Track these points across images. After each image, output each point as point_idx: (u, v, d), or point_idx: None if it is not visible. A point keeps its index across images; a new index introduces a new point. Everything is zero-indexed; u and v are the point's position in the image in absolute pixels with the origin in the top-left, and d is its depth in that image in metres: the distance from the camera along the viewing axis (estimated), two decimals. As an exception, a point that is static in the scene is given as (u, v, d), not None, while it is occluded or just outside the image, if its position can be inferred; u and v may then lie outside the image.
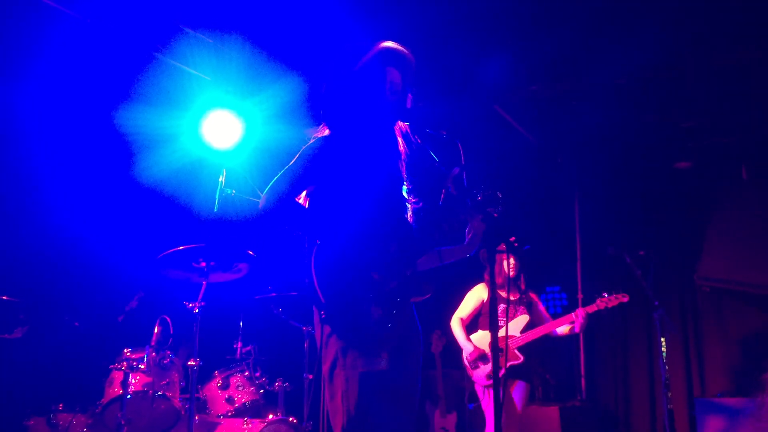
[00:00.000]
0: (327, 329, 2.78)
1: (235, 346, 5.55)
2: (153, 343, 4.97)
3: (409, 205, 2.99)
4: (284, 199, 2.80)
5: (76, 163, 5.69)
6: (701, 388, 6.97)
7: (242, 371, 5.37)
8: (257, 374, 5.41)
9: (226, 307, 5.62)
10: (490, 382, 5.38)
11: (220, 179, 4.97)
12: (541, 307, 5.75)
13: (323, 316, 2.73)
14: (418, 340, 2.94)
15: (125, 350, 4.93)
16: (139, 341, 5.03)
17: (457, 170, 2.76)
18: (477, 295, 5.77)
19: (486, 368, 5.47)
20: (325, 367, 2.77)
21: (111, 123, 5.54)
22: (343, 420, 2.66)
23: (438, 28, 5.40)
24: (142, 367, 4.84)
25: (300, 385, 5.37)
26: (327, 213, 2.82)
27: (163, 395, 4.85)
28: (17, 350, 5.06)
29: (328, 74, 2.99)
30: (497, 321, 2.74)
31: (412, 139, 2.97)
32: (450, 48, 5.65)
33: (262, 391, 5.37)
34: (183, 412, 4.91)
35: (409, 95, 3.00)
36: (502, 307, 5.51)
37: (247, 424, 4.96)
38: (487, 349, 5.48)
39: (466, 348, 5.59)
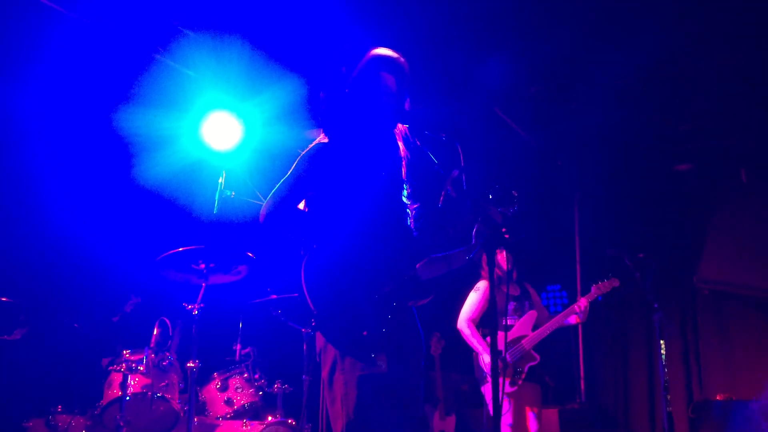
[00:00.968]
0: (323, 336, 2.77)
1: (234, 347, 5.54)
2: (152, 345, 4.96)
3: (409, 209, 2.98)
4: (285, 208, 2.80)
5: (75, 164, 5.69)
6: (700, 390, 6.96)
7: (241, 373, 5.36)
8: (256, 376, 5.40)
9: (225, 308, 5.61)
10: (511, 389, 5.22)
11: (219, 181, 4.96)
12: (538, 299, 5.69)
13: (314, 323, 2.73)
14: (419, 344, 2.92)
15: (124, 352, 4.92)
16: (138, 343, 5.02)
17: (456, 172, 2.75)
18: (481, 293, 5.62)
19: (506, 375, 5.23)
20: (325, 372, 2.76)
21: (110, 124, 5.54)
22: (343, 424, 2.65)
23: (438, 30, 5.40)
24: (141, 368, 4.83)
25: (299, 387, 5.36)
26: (324, 219, 2.81)
27: (162, 397, 4.85)
28: (16, 352, 5.05)
29: (326, 80, 2.98)
30: (497, 320, 2.73)
31: (411, 141, 2.96)
32: (449, 50, 5.65)
33: (261, 393, 5.36)
34: (182, 414, 4.90)
35: (407, 99, 2.99)
36: (513, 304, 5.46)
37: (246, 425, 4.95)
38: (507, 356, 5.27)
39: (485, 354, 5.35)
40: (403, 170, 2.99)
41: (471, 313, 5.56)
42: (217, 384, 5.28)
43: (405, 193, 2.99)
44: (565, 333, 7.54)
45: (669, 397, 5.43)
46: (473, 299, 5.60)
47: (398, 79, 2.95)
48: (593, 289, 5.56)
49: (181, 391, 5.06)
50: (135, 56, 5.40)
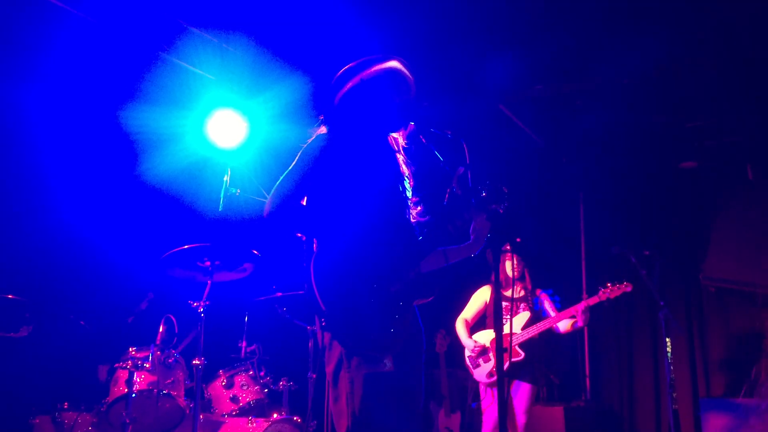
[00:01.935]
0: (329, 333, 2.77)
1: (239, 345, 5.56)
2: (158, 342, 4.97)
3: (412, 207, 2.98)
4: (288, 203, 2.80)
5: (81, 162, 5.70)
6: (706, 388, 6.95)
7: (247, 370, 5.37)
8: (262, 373, 5.41)
9: (230, 306, 5.62)
10: (491, 380, 5.46)
11: (224, 178, 4.97)
12: (548, 306, 5.73)
13: (323, 324, 2.72)
14: (420, 341, 2.93)
15: (130, 349, 4.93)
16: (144, 340, 5.03)
17: (461, 170, 2.75)
18: (481, 296, 5.85)
19: (487, 366, 5.52)
20: (329, 369, 2.76)
21: (116, 122, 5.55)
22: (348, 422, 2.65)
23: (443, 28, 5.39)
24: (147, 365, 4.84)
25: (304, 384, 5.37)
26: (328, 216, 2.80)
27: (168, 394, 4.86)
28: (23, 349, 5.07)
29: (332, 80, 2.98)
30: (501, 321, 2.73)
31: (417, 139, 2.96)
32: (455, 48, 5.64)
33: (266, 390, 5.37)
34: (188, 411, 4.91)
35: (411, 112, 2.97)
36: (505, 305, 5.54)
37: (252, 423, 4.97)
38: (488, 344, 5.56)
39: (468, 345, 5.66)
40: (405, 171, 2.99)
41: (465, 312, 5.86)
42: (223, 381, 5.29)
43: (409, 193, 2.99)
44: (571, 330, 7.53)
45: (675, 395, 5.42)
46: (471, 301, 5.88)
47: (400, 92, 2.93)
48: (600, 293, 5.54)
49: (187, 389, 5.07)
50: (140, 54, 5.41)
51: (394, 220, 2.90)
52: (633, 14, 5.22)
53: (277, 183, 2.83)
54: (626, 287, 5.55)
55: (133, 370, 4.76)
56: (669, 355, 5.44)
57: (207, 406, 5.23)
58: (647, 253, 5.62)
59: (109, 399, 4.86)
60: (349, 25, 5.08)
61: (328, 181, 2.82)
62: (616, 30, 5.39)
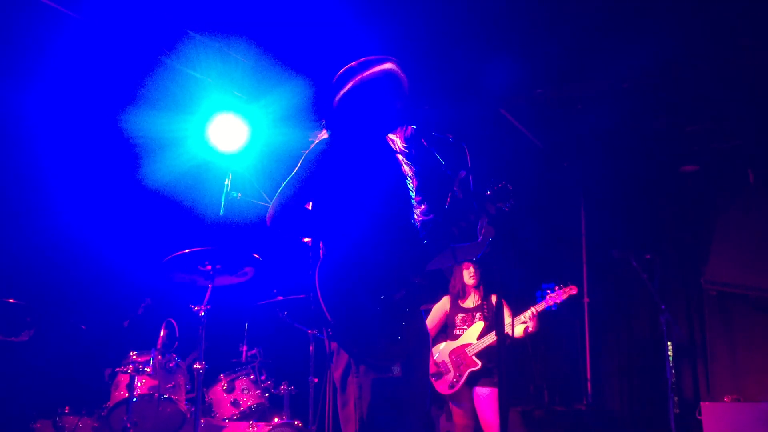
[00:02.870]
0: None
1: (240, 349, 5.55)
2: (159, 346, 4.97)
3: (416, 206, 2.98)
4: (291, 208, 2.79)
5: (83, 166, 5.70)
6: (707, 392, 6.94)
7: (248, 374, 5.37)
8: (263, 377, 5.40)
9: (231, 310, 5.62)
10: (452, 391, 5.56)
11: (226, 182, 4.97)
12: (506, 312, 5.72)
13: (330, 333, 2.70)
14: (427, 346, 2.93)
15: (131, 353, 4.93)
16: (145, 344, 5.03)
17: (463, 173, 2.75)
18: (441, 307, 5.89)
19: (447, 377, 5.59)
20: (337, 374, 2.74)
21: (117, 126, 5.56)
22: (356, 427, 2.65)
23: (444, 31, 5.40)
24: (148, 370, 4.84)
25: (305, 388, 5.37)
26: (331, 221, 2.80)
27: (169, 398, 4.85)
28: (24, 353, 5.06)
29: (331, 83, 2.99)
30: (503, 326, 2.73)
31: (418, 142, 2.96)
32: (456, 51, 5.65)
33: (267, 394, 5.36)
34: (189, 415, 4.91)
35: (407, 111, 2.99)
36: (460, 316, 5.67)
37: (253, 427, 4.96)
38: (445, 357, 5.61)
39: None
40: (407, 172, 2.99)
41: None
42: (224, 385, 5.28)
43: (412, 193, 2.99)
44: (572, 334, 7.53)
45: (676, 399, 5.41)
46: (431, 313, 5.88)
47: (398, 94, 2.94)
48: (546, 298, 5.54)
49: (188, 393, 5.07)
50: (141, 58, 5.41)
51: (399, 223, 2.90)
52: (633, 18, 5.23)
53: (280, 189, 2.83)
54: (571, 290, 5.55)
55: (134, 374, 4.75)
56: (670, 358, 5.42)
57: (208, 410, 5.23)
58: (648, 256, 5.62)
59: (110, 403, 4.86)
60: (349, 29, 5.08)
61: (332, 184, 2.81)
62: (617, 33, 5.40)
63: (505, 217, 2.73)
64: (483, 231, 2.92)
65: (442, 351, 5.66)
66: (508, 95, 6.41)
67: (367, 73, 2.92)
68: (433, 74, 5.83)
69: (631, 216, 7.57)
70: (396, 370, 2.67)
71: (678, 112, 6.58)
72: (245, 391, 5.28)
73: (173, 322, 5.05)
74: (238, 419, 5.16)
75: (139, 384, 4.81)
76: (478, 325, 5.62)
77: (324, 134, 2.95)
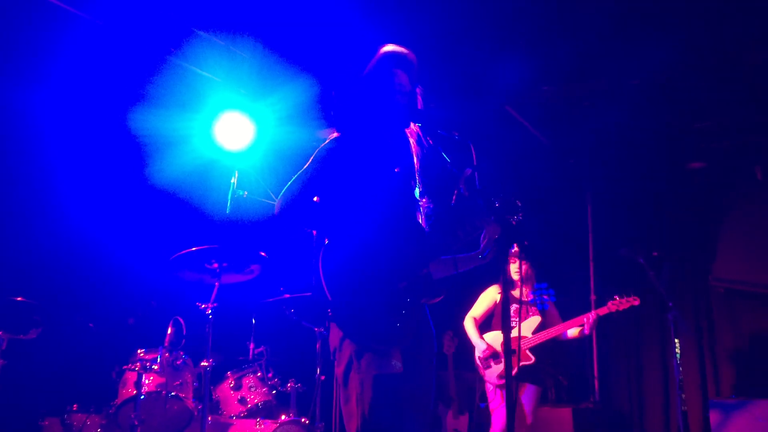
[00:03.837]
0: (340, 332, 2.77)
1: (247, 347, 5.57)
2: (166, 344, 4.99)
3: (421, 207, 2.99)
4: (298, 202, 2.82)
5: (90, 165, 5.72)
6: (715, 389, 6.91)
7: (255, 372, 5.38)
8: (269, 375, 5.42)
9: (238, 308, 5.64)
10: (501, 381, 5.45)
11: (232, 181, 4.99)
12: (555, 310, 5.75)
13: (330, 313, 2.73)
14: (431, 342, 2.93)
15: (139, 351, 4.95)
16: (153, 342, 5.05)
17: (469, 171, 2.75)
18: (490, 296, 5.86)
19: (498, 368, 5.52)
20: (339, 370, 2.76)
21: (124, 125, 5.57)
22: (358, 423, 2.66)
23: (450, 29, 5.39)
24: (156, 367, 4.86)
25: (312, 386, 5.38)
26: (339, 213, 2.83)
27: (176, 396, 4.87)
28: (32, 351, 5.09)
29: (338, 79, 3.01)
30: (509, 322, 2.73)
31: (424, 140, 2.97)
32: (462, 49, 5.64)
33: (274, 391, 5.37)
34: (196, 413, 4.92)
35: (419, 95, 3.01)
36: (514, 307, 5.56)
37: (260, 424, 4.97)
38: (500, 348, 5.54)
39: (479, 346, 5.66)
40: (416, 167, 3.00)
41: (473, 311, 5.88)
42: (231, 383, 5.30)
43: (417, 190, 3.00)
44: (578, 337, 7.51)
45: (684, 396, 5.40)
46: (480, 299, 5.90)
47: (410, 75, 2.98)
48: (609, 304, 5.59)
49: (195, 390, 5.08)
50: (148, 57, 5.43)
51: (405, 218, 2.93)
52: (641, 16, 5.21)
53: (289, 183, 2.86)
54: (634, 300, 5.59)
55: (141, 371, 4.77)
56: (678, 356, 5.42)
57: (215, 407, 5.24)
58: (656, 254, 5.61)
59: (118, 401, 4.88)
60: (356, 27, 5.08)
61: (341, 179, 2.85)
62: (624, 31, 5.38)
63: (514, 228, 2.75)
64: (486, 239, 2.95)
65: (493, 340, 5.63)
66: (515, 92, 6.39)
67: (371, 63, 2.98)
68: (440, 72, 5.83)
69: (638, 213, 7.54)
70: (397, 365, 2.68)
71: (685, 109, 6.55)
72: (252, 389, 5.29)
73: (180, 320, 5.06)
74: (245, 417, 5.18)
75: (146, 381, 4.82)
76: (534, 320, 5.61)
77: (334, 132, 2.97)
